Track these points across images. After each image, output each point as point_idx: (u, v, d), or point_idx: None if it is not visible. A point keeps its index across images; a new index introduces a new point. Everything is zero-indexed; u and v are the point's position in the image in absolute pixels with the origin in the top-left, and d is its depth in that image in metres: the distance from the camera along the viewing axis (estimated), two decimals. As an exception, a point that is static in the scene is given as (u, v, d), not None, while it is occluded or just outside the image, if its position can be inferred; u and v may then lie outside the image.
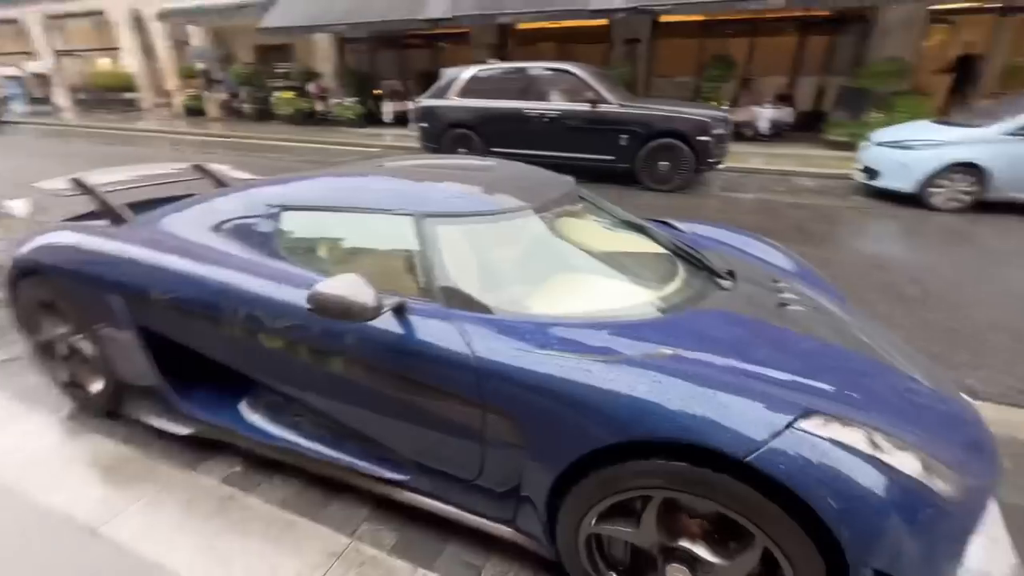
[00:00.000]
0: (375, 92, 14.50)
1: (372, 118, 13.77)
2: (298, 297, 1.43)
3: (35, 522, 1.51)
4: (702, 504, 1.10)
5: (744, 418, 1.03)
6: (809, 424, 1.03)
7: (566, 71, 6.95)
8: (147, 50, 18.05)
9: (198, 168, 3.03)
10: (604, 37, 12.05)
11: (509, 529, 1.40)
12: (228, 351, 1.73)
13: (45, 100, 18.00)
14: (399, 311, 1.39)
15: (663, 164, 6.54)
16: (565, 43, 12.80)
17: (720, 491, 1.05)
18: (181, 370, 1.87)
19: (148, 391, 1.92)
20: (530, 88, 7.10)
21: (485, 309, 1.39)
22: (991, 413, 2.01)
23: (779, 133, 10.48)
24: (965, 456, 1.22)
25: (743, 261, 2.06)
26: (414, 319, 1.38)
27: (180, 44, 17.16)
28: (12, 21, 20.01)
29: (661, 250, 1.87)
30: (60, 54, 20.06)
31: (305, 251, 1.74)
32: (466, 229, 1.56)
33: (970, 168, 5.54)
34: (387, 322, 1.38)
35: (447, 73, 7.73)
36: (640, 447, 1.10)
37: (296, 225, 1.77)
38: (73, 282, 1.90)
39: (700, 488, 1.07)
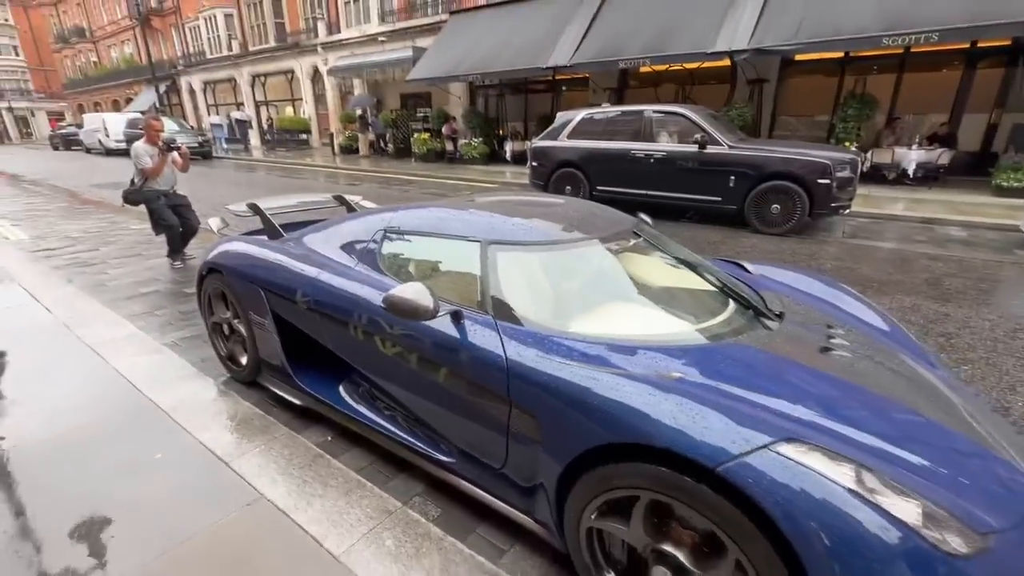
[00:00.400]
0: (499, 133, 15.74)
1: (496, 157, 14.93)
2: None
3: (189, 450, 2.05)
4: (688, 513, 1.20)
5: (723, 434, 1.14)
6: (788, 448, 1.10)
7: (677, 113, 7.03)
8: (319, 99, 21.63)
9: (338, 198, 3.78)
10: (727, 77, 11.81)
11: (528, 518, 1.59)
12: (333, 340, 2.18)
13: (241, 140, 22.36)
14: (456, 316, 1.70)
15: (774, 207, 6.24)
16: (686, 84, 12.76)
17: (698, 500, 1.15)
18: (300, 353, 2.38)
19: (276, 368, 2.47)
20: (639, 130, 7.27)
21: (523, 323, 1.64)
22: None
23: (935, 177, 9.27)
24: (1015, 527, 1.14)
25: (802, 305, 2.04)
26: (467, 324, 1.68)
27: (345, 94, 20.33)
28: (231, 79, 25.34)
29: (711, 287, 1.95)
30: (259, 104, 24.85)
31: (399, 266, 2.15)
32: (520, 255, 1.83)
33: None
34: (446, 325, 1.70)
35: (560, 116, 8.25)
36: (635, 450, 1.25)
37: (394, 246, 2.20)
38: (237, 279, 2.53)
39: (680, 494, 1.17)
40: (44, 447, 2.09)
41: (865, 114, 9.34)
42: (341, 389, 2.28)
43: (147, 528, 1.67)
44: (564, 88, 14.79)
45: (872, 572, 1.00)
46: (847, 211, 6.46)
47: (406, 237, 2.20)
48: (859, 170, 6.41)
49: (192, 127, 20.43)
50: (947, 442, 1.35)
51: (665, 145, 7.00)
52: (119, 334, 3.20)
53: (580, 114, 7.94)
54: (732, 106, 10.41)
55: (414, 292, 1.60)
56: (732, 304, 1.86)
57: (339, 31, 19.27)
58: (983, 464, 1.30)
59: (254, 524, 1.69)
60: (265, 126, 23.52)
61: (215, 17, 24.37)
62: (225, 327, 2.74)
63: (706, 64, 10.91)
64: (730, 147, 6.51)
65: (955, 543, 1.05)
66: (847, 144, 9.28)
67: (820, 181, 5.93)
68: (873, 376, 1.56)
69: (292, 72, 21.98)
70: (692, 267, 2.04)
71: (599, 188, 7.67)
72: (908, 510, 1.06)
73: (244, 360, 2.67)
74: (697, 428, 1.16)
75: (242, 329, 2.60)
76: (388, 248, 2.21)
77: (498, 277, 1.77)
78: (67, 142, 26.36)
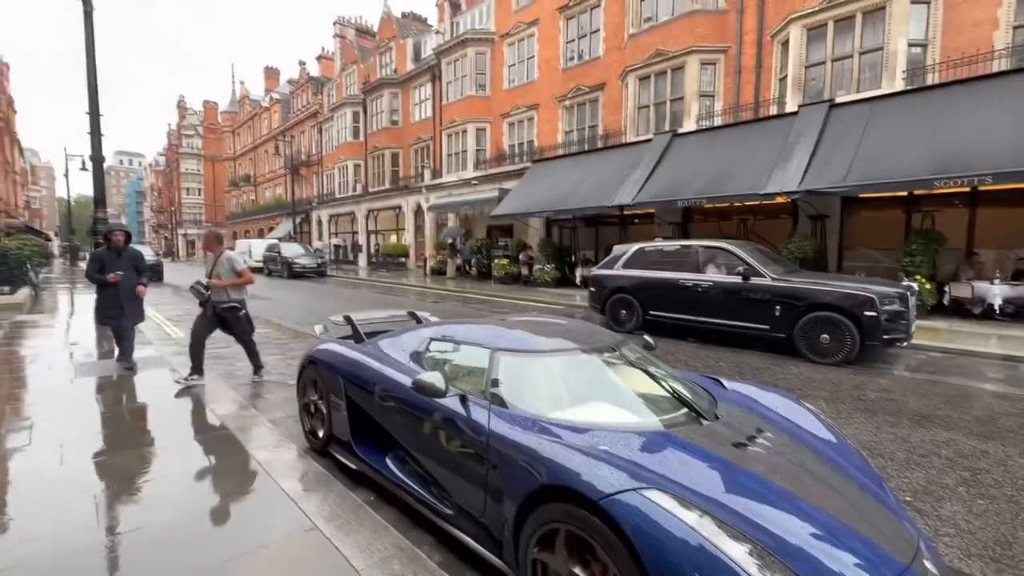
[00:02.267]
0: (572, 260, 17.14)
1: (567, 281, 16.14)
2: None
3: (272, 493, 2.78)
4: (586, 539, 1.67)
5: (607, 480, 1.66)
6: (651, 494, 1.59)
7: (720, 248, 7.67)
8: (419, 229, 25.03)
9: (411, 313, 4.77)
10: (788, 213, 12.39)
11: (498, 559, 2.07)
12: (384, 418, 2.92)
13: (352, 261, 26.08)
14: (463, 399, 2.39)
15: (824, 337, 6.37)
16: (747, 219, 13.45)
17: (589, 527, 1.64)
18: (360, 430, 3.13)
19: (341, 440, 3.22)
20: (688, 262, 7.95)
21: (508, 406, 2.28)
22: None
23: (1028, 312, 8.71)
24: None
25: (745, 413, 2.47)
26: (470, 405, 2.35)
27: (440, 226, 23.45)
28: (351, 213, 30.23)
29: (666, 394, 2.47)
30: (370, 232, 29.15)
31: (436, 364, 2.91)
32: (515, 358, 2.52)
33: None
34: (456, 405, 2.38)
35: (616, 249, 9.22)
36: (557, 492, 1.78)
37: (435, 349, 3.00)
38: (325, 370, 3.44)
39: (580, 524, 1.67)
40: (187, 478, 2.95)
41: (932, 249, 9.29)
42: (387, 459, 2.95)
43: (243, 531, 2.37)
44: (635, 221, 16.11)
45: (697, 584, 1.42)
46: (905, 343, 6.38)
47: (444, 343, 3.00)
48: (911, 303, 6.43)
49: (316, 250, 24.54)
50: (815, 518, 1.70)
51: (711, 276, 7.56)
52: (234, 410, 4.21)
53: (635, 247, 8.85)
54: (791, 240, 10.82)
55: (432, 377, 2.34)
56: (682, 407, 2.37)
57: (440, 176, 22.97)
58: (837, 537, 1.64)
59: (306, 543, 2.32)
60: (373, 251, 27.40)
61: (347, 167, 30.15)
62: (312, 407, 3.61)
63: (767, 202, 11.66)
64: (773, 279, 6.92)
65: None
66: (919, 279, 9.16)
67: (867, 313, 6.07)
68: (769, 466, 1.96)
69: (400, 207, 26.05)
70: (656, 378, 2.58)
71: (651, 313, 8.22)
72: (736, 548, 1.49)
73: (321, 433, 3.47)
74: (591, 475, 1.70)
75: (323, 409, 3.44)
76: (431, 350, 3.01)
77: (498, 373, 2.46)
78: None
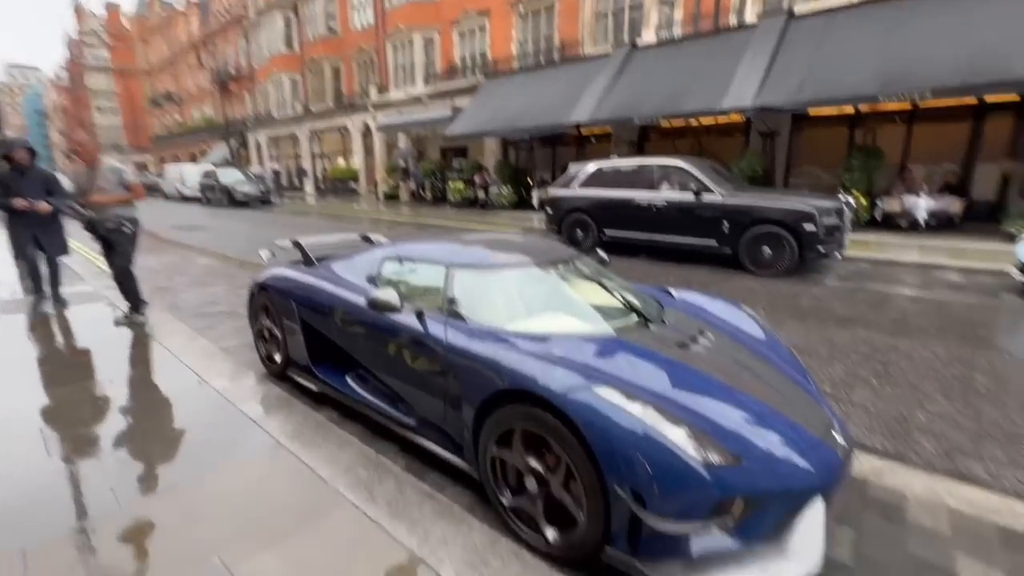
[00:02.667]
0: (529, 182, 16.85)
1: (525, 204, 15.97)
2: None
3: (233, 417, 2.79)
4: (541, 435, 1.80)
5: (560, 380, 1.75)
6: (600, 390, 1.70)
7: (675, 166, 7.71)
8: (368, 151, 23.71)
9: (364, 237, 4.62)
10: (742, 130, 12.48)
11: (458, 459, 2.21)
12: (342, 338, 2.91)
13: (298, 187, 24.61)
14: (420, 315, 2.40)
15: (766, 251, 6.71)
16: (701, 136, 13.49)
17: (544, 425, 1.75)
18: (318, 351, 3.12)
19: (300, 364, 3.21)
20: (642, 180, 7.98)
21: (465, 320, 2.31)
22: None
23: (951, 224, 9.44)
24: (772, 459, 1.67)
25: (689, 318, 2.62)
26: (427, 320, 2.37)
27: (391, 147, 22.25)
28: (292, 135, 28.10)
29: (617, 303, 2.56)
30: (315, 156, 27.37)
31: (388, 283, 2.88)
32: (471, 273, 2.52)
33: None
34: (412, 321, 2.40)
35: (572, 167, 9.10)
36: (513, 395, 1.87)
37: (390, 269, 2.95)
38: (278, 294, 3.34)
39: (535, 422, 1.78)
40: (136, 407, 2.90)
41: (871, 165, 9.71)
42: (347, 378, 2.98)
43: (208, 452, 2.40)
44: (592, 141, 15.83)
45: (643, 467, 1.57)
46: (839, 255, 6.83)
47: (398, 263, 2.95)
48: (847, 217, 6.81)
49: (257, 176, 22.81)
50: (747, 405, 1.88)
51: (665, 194, 7.66)
52: (186, 341, 4.08)
53: (591, 166, 8.76)
54: (743, 158, 11.00)
55: (386, 294, 2.32)
56: (631, 315, 2.47)
57: (388, 92, 21.42)
58: (766, 420, 1.83)
59: (273, 459, 2.38)
60: (320, 176, 25.85)
61: (283, 82, 27.50)
62: (266, 332, 3.55)
63: (721, 119, 11.66)
64: (723, 196, 7.09)
65: (713, 456, 1.61)
66: (856, 193, 9.65)
67: (806, 226, 6.39)
68: (709, 362, 2.12)
69: (346, 128, 24.37)
70: (607, 289, 2.66)
71: (607, 232, 8.35)
72: (676, 432, 1.63)
73: (278, 358, 3.45)
74: (545, 377, 1.79)
75: (278, 334, 3.39)
76: (385, 270, 2.96)
77: (453, 289, 2.47)
78: (149, 189, 29.75)
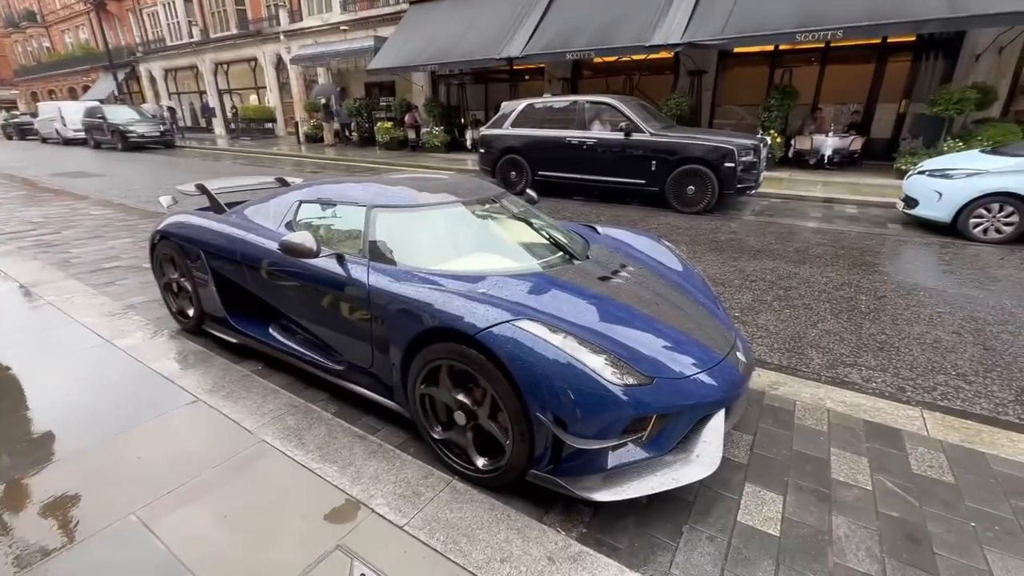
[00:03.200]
0: (461, 122, 16.20)
1: (458, 145, 15.42)
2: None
3: (144, 376, 2.61)
4: (466, 370, 1.84)
5: (484, 316, 1.78)
6: (523, 324, 1.74)
7: (606, 103, 7.68)
8: (284, 87, 21.63)
9: (279, 180, 4.28)
10: (671, 68, 12.55)
11: (389, 401, 2.22)
12: (259, 287, 2.75)
13: (206, 128, 22.18)
14: (340, 259, 2.30)
15: (690, 188, 6.98)
16: (633, 74, 13.44)
17: (469, 359, 1.79)
18: (235, 302, 2.95)
19: (216, 316, 3.02)
20: (574, 119, 7.90)
21: (388, 263, 2.25)
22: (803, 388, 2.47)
23: (853, 162, 10.21)
24: (681, 379, 1.81)
25: (612, 252, 2.71)
26: (348, 264, 2.28)
27: (309, 82, 20.39)
28: (193, 67, 24.97)
29: (543, 240, 2.59)
30: (222, 92, 24.60)
31: (306, 227, 2.72)
32: (393, 214, 2.43)
33: (1013, 198, 5.36)
34: (333, 266, 2.30)
35: (504, 106, 8.82)
36: (439, 334, 1.88)
37: (305, 212, 2.77)
38: (184, 243, 3.07)
39: (461, 358, 1.82)
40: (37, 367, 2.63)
41: (787, 104, 10.17)
42: (269, 328, 2.85)
43: (120, 414, 2.24)
44: (526, 77, 15.31)
45: (564, 394, 1.65)
46: (754, 191, 7.25)
47: (316, 206, 2.77)
48: (763, 155, 7.18)
49: (153, 115, 20.19)
50: (662, 332, 2.01)
51: (596, 133, 7.66)
52: (84, 301, 3.70)
53: (522, 104, 8.53)
54: (677, 96, 11.13)
55: (301, 237, 2.20)
56: (557, 251, 2.51)
57: (301, 19, 19.32)
58: (678, 344, 1.97)
59: (192, 416, 2.28)
60: (229, 115, 23.33)
61: (173, 2, 23.98)
62: (174, 285, 3.28)
63: (652, 56, 11.62)
64: (652, 135, 7.20)
65: (629, 379, 1.71)
66: (772, 132, 10.13)
67: (726, 164, 6.68)
68: (629, 294, 2.22)
69: (255, 60, 21.92)
70: (534, 227, 2.67)
71: (540, 173, 8.30)
72: (594, 359, 1.71)
73: (191, 312, 3.22)
74: (469, 314, 1.80)
75: (188, 286, 3.15)
76: (302, 214, 2.78)
77: (375, 231, 2.37)
78: (22, 131, 25.73)
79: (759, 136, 7.82)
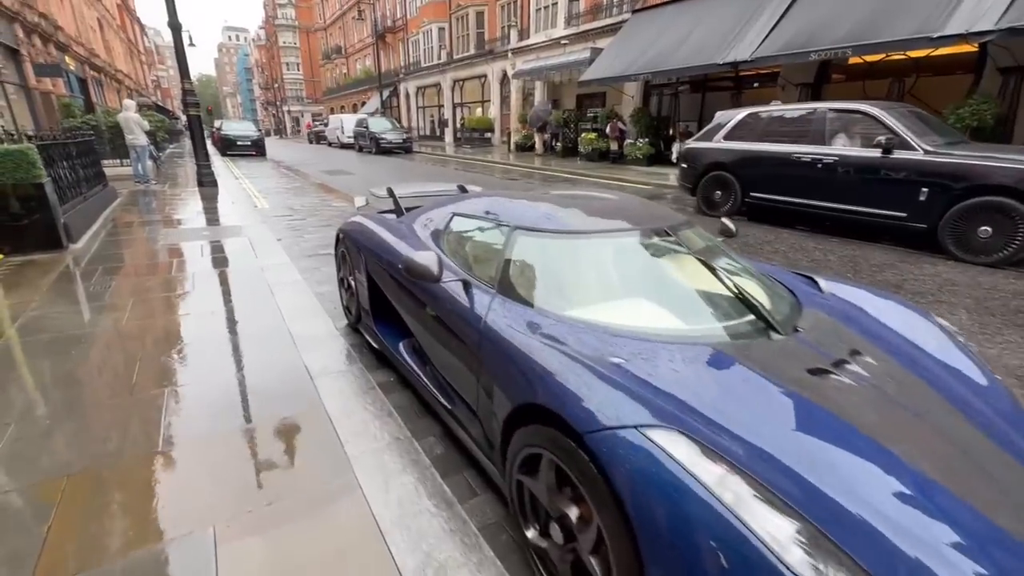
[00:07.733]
0: (669, 133, 15.12)
1: (663, 158, 14.44)
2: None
3: (291, 367, 2.73)
4: (573, 475, 1.29)
5: (602, 406, 1.20)
6: (659, 436, 1.11)
7: (860, 112, 6.00)
8: (504, 100, 23.45)
9: (460, 187, 4.29)
10: (967, 67, 9.43)
11: (489, 461, 1.80)
12: (393, 295, 2.65)
13: (439, 136, 25.48)
14: (466, 285, 1.98)
15: (984, 230, 4.95)
16: (904, 77, 10.56)
17: (578, 466, 1.21)
18: (383, 309, 2.92)
19: (367, 318, 3.06)
20: (809, 131, 6.40)
21: (519, 297, 1.82)
22: None
23: None
24: None
25: (839, 325, 1.78)
26: (474, 292, 1.94)
27: (527, 96, 21.67)
28: (437, 84, 28.99)
29: (729, 294, 1.84)
30: (456, 105, 28.00)
31: (454, 242, 2.50)
32: (536, 240, 2.00)
33: None
34: (458, 291, 1.99)
35: (719, 116, 7.70)
36: (543, 412, 1.37)
37: (456, 226, 2.55)
38: (353, 244, 3.19)
39: (565, 457, 1.26)
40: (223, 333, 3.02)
41: None
42: (401, 343, 2.73)
43: (252, 406, 2.35)
44: (754, 85, 13.47)
45: (712, 567, 0.99)
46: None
47: (466, 220, 2.53)
48: None
49: (401, 126, 24.12)
50: (913, 486, 1.15)
51: (839, 149, 6.05)
52: (287, 279, 4.25)
53: (742, 113, 7.30)
54: (966, 102, 8.31)
55: (424, 258, 1.92)
56: (748, 314, 1.75)
57: (528, 36, 20.61)
58: (948, 517, 1.08)
59: (309, 420, 2.23)
60: (458, 125, 26.44)
61: (431, 31, 28.19)
62: (346, 281, 3.47)
63: (939, 51, 8.90)
64: (926, 152, 5.34)
65: (831, 574, 0.96)
66: None
67: (1060, 199, 4.52)
68: (862, 406, 1.36)
69: (485, 76, 24.29)
70: (721, 272, 1.93)
71: (753, 195, 6.98)
72: (779, 524, 1.00)
73: (353, 309, 3.35)
74: (585, 398, 1.24)
75: (353, 284, 3.27)
76: (453, 228, 2.57)
77: (513, 256, 1.98)
78: (318, 137, 33.48)
79: None
